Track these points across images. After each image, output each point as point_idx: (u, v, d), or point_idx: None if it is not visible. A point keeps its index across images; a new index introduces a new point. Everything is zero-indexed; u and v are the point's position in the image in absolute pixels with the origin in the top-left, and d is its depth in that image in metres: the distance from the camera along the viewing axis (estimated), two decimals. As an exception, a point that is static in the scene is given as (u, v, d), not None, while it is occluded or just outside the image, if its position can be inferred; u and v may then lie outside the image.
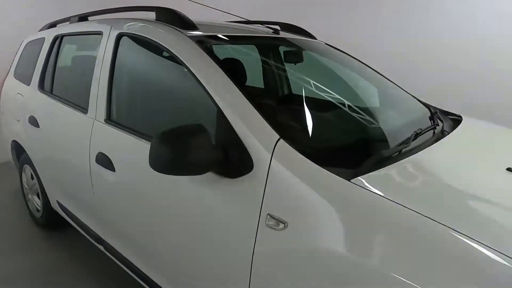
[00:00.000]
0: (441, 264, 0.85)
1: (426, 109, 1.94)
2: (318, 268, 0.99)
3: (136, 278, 1.75)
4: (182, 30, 1.58)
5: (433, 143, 1.42)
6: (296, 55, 2.12)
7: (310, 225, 1.03)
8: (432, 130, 1.56)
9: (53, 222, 2.65)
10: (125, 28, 1.80)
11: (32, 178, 2.68)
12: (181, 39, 1.51)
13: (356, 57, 2.19)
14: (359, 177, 1.05)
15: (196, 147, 1.12)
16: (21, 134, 2.59)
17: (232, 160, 1.20)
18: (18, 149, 2.78)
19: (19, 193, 3.05)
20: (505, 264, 0.81)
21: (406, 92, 2.13)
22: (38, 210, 2.73)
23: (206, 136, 1.15)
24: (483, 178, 1.22)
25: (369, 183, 1.02)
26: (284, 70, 2.34)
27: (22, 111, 2.54)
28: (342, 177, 1.04)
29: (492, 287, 0.80)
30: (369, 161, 1.16)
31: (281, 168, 1.12)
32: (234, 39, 1.78)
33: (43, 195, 2.55)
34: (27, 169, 2.72)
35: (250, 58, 2.02)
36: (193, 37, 1.53)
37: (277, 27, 2.35)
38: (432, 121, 1.70)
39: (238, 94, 1.28)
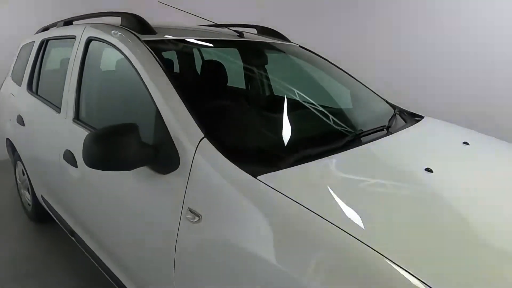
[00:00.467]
0: (316, 253, 0.90)
1: (384, 109, 1.96)
2: (230, 258, 1.05)
3: (100, 269, 1.85)
4: (139, 35, 1.67)
5: (365, 144, 1.45)
6: (256, 57, 2.18)
7: (221, 218, 1.09)
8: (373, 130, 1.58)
9: (42, 215, 2.80)
10: (93, 33, 1.91)
11: (23, 174, 2.84)
12: (134, 43, 1.60)
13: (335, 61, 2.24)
14: (264, 175, 1.10)
15: (124, 145, 1.20)
16: (12, 133, 2.76)
17: (163, 157, 1.28)
18: (11, 147, 2.95)
19: (15, 189, 3.23)
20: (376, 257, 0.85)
21: (376, 94, 2.16)
22: (28, 204, 2.89)
23: (135, 135, 1.23)
24: (393, 178, 1.25)
25: (270, 180, 1.07)
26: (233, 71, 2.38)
27: (12, 110, 2.71)
28: (250, 174, 1.09)
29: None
30: (278, 160, 1.21)
31: (201, 164, 1.18)
32: (184, 42, 1.86)
33: (32, 190, 2.70)
34: (19, 165, 2.88)
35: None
36: (146, 41, 1.62)
37: (254, 30, 2.43)
38: (382, 122, 1.72)
39: (173, 94, 1.35)
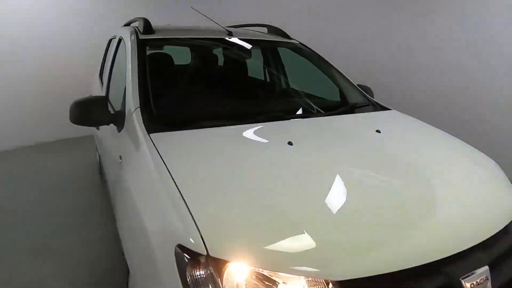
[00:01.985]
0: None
1: (351, 98, 2.22)
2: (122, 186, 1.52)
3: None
4: (140, 33, 2.22)
5: (284, 120, 1.74)
6: (240, 51, 2.55)
7: (128, 161, 1.55)
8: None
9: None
10: (119, 32, 2.56)
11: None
12: (131, 39, 2.15)
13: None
14: (156, 133, 1.51)
15: (93, 109, 1.75)
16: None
17: (119, 120, 1.79)
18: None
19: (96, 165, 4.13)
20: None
21: (356, 88, 2.35)
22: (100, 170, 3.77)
23: (103, 104, 1.77)
24: (258, 147, 1.53)
25: (159, 136, 1.49)
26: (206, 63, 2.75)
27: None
28: (149, 132, 1.52)
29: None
30: (175, 125, 1.60)
31: (130, 125, 1.66)
32: (171, 41, 2.37)
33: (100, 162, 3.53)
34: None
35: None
36: (143, 39, 2.16)
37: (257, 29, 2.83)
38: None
39: (135, 75, 1.85)
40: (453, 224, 1.20)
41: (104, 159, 2.45)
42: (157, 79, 1.93)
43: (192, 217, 1.06)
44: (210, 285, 0.97)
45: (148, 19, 2.35)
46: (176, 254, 1.03)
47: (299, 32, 3.37)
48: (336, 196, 1.22)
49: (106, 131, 2.19)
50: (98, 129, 2.66)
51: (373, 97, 2.42)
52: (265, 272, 0.97)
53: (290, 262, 0.99)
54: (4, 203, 3.19)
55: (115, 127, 1.86)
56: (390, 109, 2.20)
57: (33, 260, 2.42)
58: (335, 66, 2.51)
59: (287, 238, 1.04)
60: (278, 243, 1.03)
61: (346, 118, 1.94)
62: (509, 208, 1.36)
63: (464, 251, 1.12)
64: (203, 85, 2.21)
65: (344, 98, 2.29)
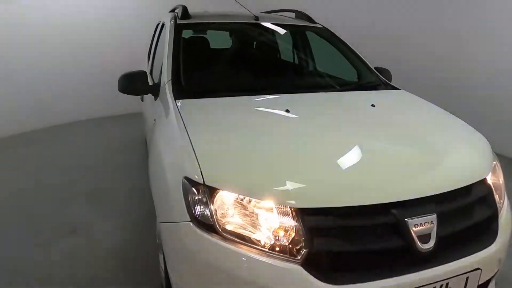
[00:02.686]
0: None
1: (364, 78, 2.46)
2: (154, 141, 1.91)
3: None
4: (179, 19, 2.59)
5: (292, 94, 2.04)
6: (265, 34, 2.84)
7: (159, 121, 1.93)
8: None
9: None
10: (163, 18, 2.96)
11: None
12: (170, 24, 2.53)
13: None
14: (181, 99, 1.87)
15: (136, 81, 2.15)
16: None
17: (155, 90, 2.19)
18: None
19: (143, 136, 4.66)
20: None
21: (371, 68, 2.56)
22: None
23: (144, 76, 2.16)
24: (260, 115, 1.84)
25: (184, 103, 1.84)
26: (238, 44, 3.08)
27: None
28: (175, 98, 1.88)
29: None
30: (200, 94, 1.95)
31: (163, 94, 2.04)
32: (204, 25, 2.73)
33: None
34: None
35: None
36: (179, 23, 2.53)
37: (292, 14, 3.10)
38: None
39: (170, 54, 2.22)
40: (414, 172, 1.44)
41: (146, 126, 2.89)
42: (189, 58, 2.30)
43: (196, 157, 1.40)
44: (204, 206, 1.31)
45: (188, 6, 2.72)
46: (183, 183, 1.38)
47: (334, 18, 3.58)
48: (313, 145, 1.53)
49: (147, 103, 2.62)
50: (142, 101, 3.12)
51: (390, 79, 2.61)
52: (246, 198, 1.29)
53: (264, 192, 1.29)
54: (72, 162, 3.83)
55: (153, 97, 2.26)
56: (399, 89, 2.39)
57: (88, 202, 2.97)
58: (354, 49, 2.72)
59: (265, 174, 1.35)
60: (258, 177, 1.35)
61: (348, 94, 2.19)
62: (476, 172, 1.54)
63: (420, 198, 1.34)
64: (227, 63, 2.58)
65: (357, 78, 2.51)
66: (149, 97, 2.38)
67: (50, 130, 4.92)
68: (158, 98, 2.15)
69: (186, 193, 1.36)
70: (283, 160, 1.43)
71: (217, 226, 1.29)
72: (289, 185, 1.31)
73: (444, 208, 1.39)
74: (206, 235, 1.29)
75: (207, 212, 1.30)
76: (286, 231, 1.27)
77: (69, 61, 5.17)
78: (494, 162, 1.70)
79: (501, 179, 1.69)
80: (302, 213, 1.26)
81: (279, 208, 1.27)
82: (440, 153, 1.59)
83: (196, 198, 1.33)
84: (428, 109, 2.09)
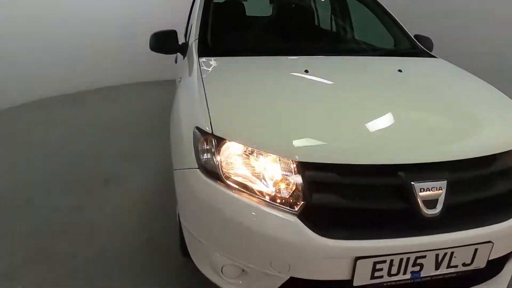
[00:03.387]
0: None
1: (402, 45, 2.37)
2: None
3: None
4: None
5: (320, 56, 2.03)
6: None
7: (184, 78, 1.99)
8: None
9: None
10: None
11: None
12: None
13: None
14: (205, 57, 1.91)
15: (167, 40, 2.22)
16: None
17: (184, 49, 2.25)
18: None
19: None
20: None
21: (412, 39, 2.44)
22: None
23: (174, 35, 2.23)
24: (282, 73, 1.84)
25: (206, 60, 1.89)
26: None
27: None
28: (199, 56, 1.93)
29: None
30: (225, 52, 1.99)
31: (189, 51, 2.10)
32: None
33: None
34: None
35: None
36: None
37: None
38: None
39: (200, 15, 2.26)
40: (427, 136, 1.39)
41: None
42: (218, 19, 2.34)
43: (208, 109, 1.45)
44: (211, 154, 1.37)
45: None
46: (194, 133, 1.44)
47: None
48: (324, 103, 1.53)
49: (178, 65, 2.70)
50: (176, 63, 3.23)
51: (431, 48, 2.46)
52: (251, 150, 1.32)
53: (269, 145, 1.32)
54: (114, 120, 4.09)
55: (182, 56, 2.32)
56: (436, 58, 2.26)
57: (124, 159, 3.17)
58: (394, 15, 2.59)
59: (271, 128, 1.38)
60: (264, 131, 1.37)
61: (377, 59, 2.11)
62: (501, 142, 1.44)
63: (431, 163, 1.30)
64: (253, 25, 2.56)
65: (394, 45, 2.41)
66: (180, 58, 2.46)
67: (99, 91, 5.25)
68: (186, 56, 2.21)
69: (196, 142, 1.42)
70: (292, 116, 1.43)
71: (222, 174, 1.34)
72: (293, 139, 1.32)
73: (458, 175, 1.33)
74: (211, 182, 1.35)
75: (214, 161, 1.36)
76: (287, 184, 1.29)
77: (116, 26, 5.40)
78: None
79: None
80: (303, 167, 1.27)
81: (282, 161, 1.29)
82: (462, 119, 1.52)
83: (205, 147, 1.39)
84: (462, 77, 1.96)
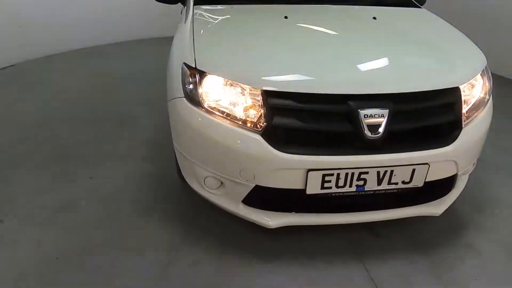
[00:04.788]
0: None
1: None
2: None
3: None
4: None
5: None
6: None
7: (181, 22, 2.24)
8: None
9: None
10: None
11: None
12: None
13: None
14: (200, 5, 2.15)
15: None
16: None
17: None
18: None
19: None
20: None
21: None
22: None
23: None
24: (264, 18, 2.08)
25: (199, 8, 2.14)
26: None
27: None
28: (195, 4, 2.17)
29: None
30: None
31: (187, 6, 2.33)
32: None
33: None
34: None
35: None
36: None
37: None
38: None
39: None
40: (377, 69, 1.64)
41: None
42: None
43: (194, 48, 1.72)
44: (194, 85, 1.65)
45: None
46: (182, 67, 1.72)
47: None
48: (295, 42, 1.78)
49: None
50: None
51: (422, 2, 2.57)
52: (227, 81, 1.60)
53: (241, 77, 1.59)
54: (132, 72, 4.41)
55: (183, 6, 2.56)
56: (420, 7, 2.40)
57: (139, 103, 3.51)
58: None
59: (245, 63, 1.66)
60: (239, 65, 1.65)
61: (357, 8, 2.29)
62: (447, 80, 1.66)
63: (377, 94, 1.54)
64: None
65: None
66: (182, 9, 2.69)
67: (122, 44, 5.56)
68: (185, 7, 2.44)
69: (183, 75, 1.71)
70: (263, 53, 1.70)
71: (203, 102, 1.63)
72: (261, 72, 1.59)
73: (400, 106, 1.56)
74: (194, 108, 1.65)
75: (196, 90, 1.64)
76: (254, 108, 1.57)
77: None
78: (481, 79, 1.77)
79: (482, 94, 1.77)
80: (267, 95, 1.54)
81: (251, 90, 1.56)
82: (413, 58, 1.75)
83: (190, 80, 1.67)
84: (435, 24, 2.14)
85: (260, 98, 1.55)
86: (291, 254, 1.86)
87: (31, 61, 4.69)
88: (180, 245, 1.91)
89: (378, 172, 1.60)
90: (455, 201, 1.90)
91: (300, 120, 1.54)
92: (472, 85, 1.75)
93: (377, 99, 1.55)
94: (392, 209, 1.80)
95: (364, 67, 1.64)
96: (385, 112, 1.53)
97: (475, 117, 1.74)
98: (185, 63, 1.71)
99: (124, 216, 2.10)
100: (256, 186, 1.63)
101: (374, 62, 1.68)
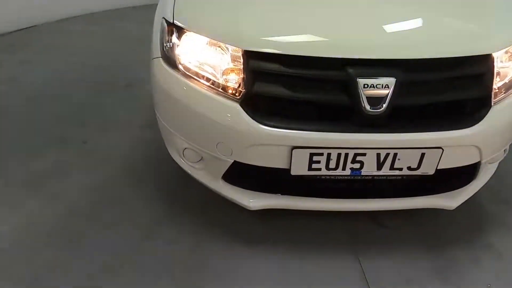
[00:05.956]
0: None
1: None
2: None
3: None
4: None
5: None
6: None
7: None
8: None
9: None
10: None
11: None
12: None
13: None
14: None
15: None
16: None
17: None
18: None
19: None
20: None
21: None
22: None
23: None
24: None
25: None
26: None
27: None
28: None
29: None
30: None
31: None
32: None
33: None
34: None
35: None
36: None
37: None
38: None
39: None
40: (386, 31, 1.31)
41: None
42: None
43: (174, 2, 1.49)
44: (171, 44, 1.44)
45: None
46: (161, 23, 1.51)
47: None
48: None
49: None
50: None
51: None
52: (207, 40, 1.36)
53: (220, 33, 1.35)
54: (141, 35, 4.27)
55: None
56: None
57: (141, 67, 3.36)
58: None
59: (227, 20, 1.40)
60: (220, 22, 1.39)
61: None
62: (476, 45, 1.32)
63: (381, 59, 1.25)
64: None
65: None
66: None
67: (142, 8, 5.41)
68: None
69: (162, 32, 1.50)
70: (248, 9, 1.42)
71: (179, 63, 1.42)
72: (243, 29, 1.33)
73: (411, 75, 1.27)
74: (170, 70, 1.44)
75: (174, 50, 1.44)
76: (234, 72, 1.34)
77: None
78: None
79: None
80: (249, 56, 1.30)
81: (232, 50, 1.33)
82: (437, 12, 1.40)
83: (167, 37, 1.46)
84: None
85: (241, 60, 1.32)
86: (279, 239, 1.67)
87: (52, 23, 4.66)
88: (162, 219, 1.78)
89: (378, 155, 1.34)
90: (476, 193, 1.61)
91: (286, 88, 1.29)
92: (511, 54, 1.40)
93: (381, 65, 1.26)
94: (397, 199, 1.55)
95: (366, 27, 1.33)
96: (391, 82, 1.25)
97: (510, 94, 1.41)
98: (164, 18, 1.50)
99: (109, 184, 1.99)
100: (235, 162, 1.43)
101: (381, 22, 1.34)
